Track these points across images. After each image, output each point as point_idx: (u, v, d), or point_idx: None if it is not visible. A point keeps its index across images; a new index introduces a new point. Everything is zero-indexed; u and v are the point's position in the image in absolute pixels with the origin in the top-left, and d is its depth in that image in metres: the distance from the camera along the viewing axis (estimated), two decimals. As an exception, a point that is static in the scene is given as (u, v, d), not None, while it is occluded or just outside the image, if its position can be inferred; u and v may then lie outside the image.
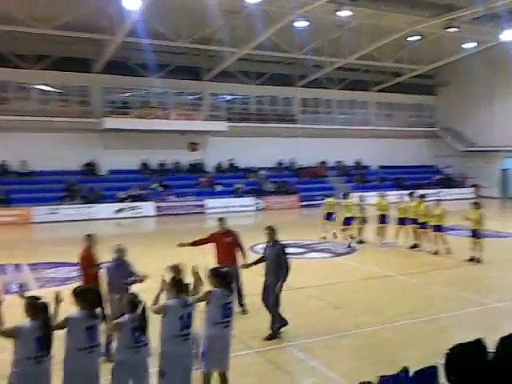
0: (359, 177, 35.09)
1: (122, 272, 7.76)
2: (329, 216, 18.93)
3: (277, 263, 8.47)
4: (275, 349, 8.11)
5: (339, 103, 37.02)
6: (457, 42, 31.00)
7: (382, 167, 37.32)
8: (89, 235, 8.58)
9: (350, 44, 29.48)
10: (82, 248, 8.52)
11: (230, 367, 6.12)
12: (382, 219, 17.47)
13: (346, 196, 18.59)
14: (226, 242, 9.63)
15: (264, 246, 8.92)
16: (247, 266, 9.13)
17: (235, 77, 32.43)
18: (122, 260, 7.98)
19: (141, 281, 7.85)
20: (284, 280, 8.43)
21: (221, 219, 9.98)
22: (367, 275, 13.27)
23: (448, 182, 36.76)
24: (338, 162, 36.16)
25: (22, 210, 24.88)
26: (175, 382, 5.56)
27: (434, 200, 16.99)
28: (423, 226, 15.97)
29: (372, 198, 19.22)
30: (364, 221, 17.83)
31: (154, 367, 5.60)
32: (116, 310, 5.61)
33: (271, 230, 8.73)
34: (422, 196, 17.09)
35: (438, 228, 15.50)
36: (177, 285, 5.70)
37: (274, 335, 8.44)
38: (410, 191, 18.51)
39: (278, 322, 8.53)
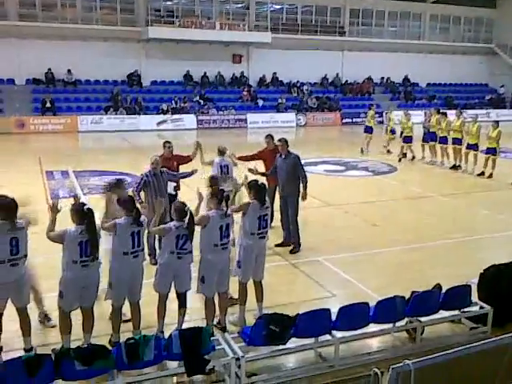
0: (406, 94, 33.90)
1: (161, 179, 7.98)
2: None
3: (292, 175, 8.47)
4: (309, 261, 8.33)
5: (391, 15, 35.07)
6: None
7: (431, 85, 35.86)
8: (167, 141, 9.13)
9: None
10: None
11: (264, 276, 6.36)
12: (431, 137, 17.11)
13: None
14: (275, 158, 9.52)
15: (277, 159, 8.76)
16: (257, 173, 8.57)
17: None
18: (161, 170, 8.14)
19: (191, 174, 8.32)
20: (305, 188, 8.49)
21: (269, 136, 9.87)
22: (407, 195, 13.18)
23: (499, 102, 35.12)
24: (385, 78, 34.88)
25: (67, 119, 25.39)
26: (213, 286, 5.86)
27: (492, 121, 16.22)
28: (472, 147, 15.52)
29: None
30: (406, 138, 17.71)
31: (194, 273, 5.88)
32: (159, 215, 5.82)
33: (284, 142, 8.66)
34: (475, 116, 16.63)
35: (493, 151, 14.97)
36: (216, 196, 5.83)
37: (296, 248, 8.66)
38: (459, 110, 17.94)
39: (299, 236, 8.70)
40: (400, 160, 17.61)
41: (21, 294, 5.34)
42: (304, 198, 8.54)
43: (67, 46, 26.32)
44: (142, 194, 7.93)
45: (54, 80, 27.06)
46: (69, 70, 27.03)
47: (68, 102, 26.57)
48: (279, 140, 8.76)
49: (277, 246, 8.73)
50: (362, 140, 19.57)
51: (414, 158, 17.86)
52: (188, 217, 5.57)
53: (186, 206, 5.73)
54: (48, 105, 25.36)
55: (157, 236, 7.26)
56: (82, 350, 4.75)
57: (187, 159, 9.28)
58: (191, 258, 5.75)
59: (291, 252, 8.63)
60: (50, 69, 26.77)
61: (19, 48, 25.64)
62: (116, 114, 26.29)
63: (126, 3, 28.72)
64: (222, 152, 9.25)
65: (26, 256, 5.28)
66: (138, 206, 5.92)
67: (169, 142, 9.20)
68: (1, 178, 13.34)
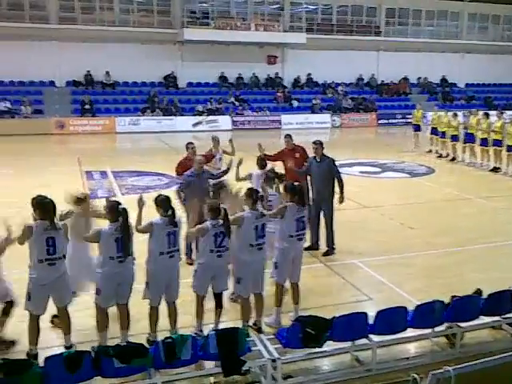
0: (444, 95, 33.26)
1: (203, 178, 8.03)
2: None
3: (327, 178, 8.34)
4: (345, 264, 8.27)
5: (428, 14, 34.47)
6: None
7: (470, 85, 35.07)
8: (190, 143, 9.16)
9: None
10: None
11: (301, 278, 6.34)
12: (470, 138, 16.79)
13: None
14: (295, 158, 9.44)
15: (310, 161, 8.65)
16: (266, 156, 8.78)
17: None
18: (201, 170, 8.21)
19: (226, 172, 8.36)
20: (342, 191, 8.37)
21: (288, 136, 9.86)
22: (445, 197, 12.94)
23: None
24: (422, 78, 34.31)
25: (105, 120, 25.89)
26: (249, 287, 5.89)
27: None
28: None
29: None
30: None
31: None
32: (196, 215, 5.87)
33: (318, 145, 8.46)
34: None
35: None
36: (251, 196, 5.85)
37: (330, 251, 8.58)
38: (500, 111, 17.56)
39: (333, 239, 8.61)
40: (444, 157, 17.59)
41: (61, 293, 5.46)
42: (341, 201, 8.44)
43: (105, 48, 26.86)
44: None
45: (93, 82, 27.65)
46: (107, 72, 27.58)
47: (106, 104, 27.09)
48: (314, 142, 8.54)
49: (305, 249, 8.63)
50: (412, 138, 20.05)
51: (454, 159, 17.62)
52: (223, 214, 5.62)
53: (219, 204, 5.79)
54: (87, 106, 25.92)
55: None
56: (120, 347, 4.84)
57: (210, 157, 9.35)
58: (229, 255, 5.78)
59: (325, 255, 8.56)
60: (88, 71, 27.35)
61: (59, 50, 26.33)
62: (153, 115, 26.66)
63: (163, 5, 29.11)
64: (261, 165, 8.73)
65: (64, 256, 5.37)
66: (178, 204, 5.99)
67: (191, 143, 9.22)
68: (42, 178, 13.71)
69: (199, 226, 5.76)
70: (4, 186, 13.17)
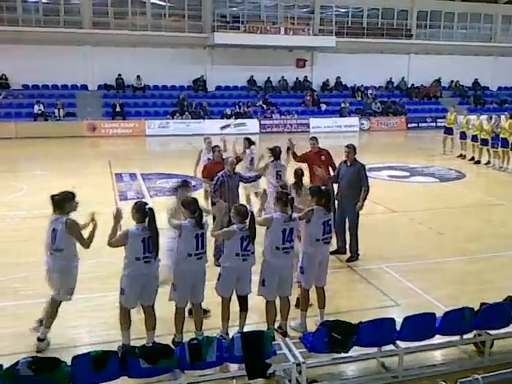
0: (476, 98, 32.66)
1: (234, 180, 8.08)
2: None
3: (355, 183, 8.20)
4: (372, 268, 8.19)
5: (461, 16, 33.92)
6: None
7: (503, 88, 34.37)
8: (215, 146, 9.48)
9: None
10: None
11: (327, 282, 6.31)
12: (502, 142, 16.47)
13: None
14: (320, 161, 9.35)
15: (340, 165, 8.57)
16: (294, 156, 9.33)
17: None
18: (233, 172, 8.24)
19: (259, 177, 8.58)
20: (364, 199, 8.26)
21: (313, 138, 9.83)
22: (475, 202, 12.69)
23: None
24: (454, 81, 33.77)
25: (136, 123, 26.24)
26: (274, 290, 5.88)
27: None
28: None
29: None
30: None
31: (254, 276, 5.92)
32: (224, 218, 5.92)
33: (351, 149, 8.33)
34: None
35: None
36: (282, 198, 5.86)
37: (353, 257, 8.46)
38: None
39: (357, 245, 8.49)
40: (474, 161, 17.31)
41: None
42: (360, 208, 8.28)
43: (137, 53, 27.27)
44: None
45: (124, 85, 28.08)
46: (138, 76, 27.96)
47: (137, 107, 27.48)
48: (347, 146, 8.40)
49: (330, 253, 8.57)
50: (443, 141, 19.66)
51: (478, 162, 17.40)
52: (249, 218, 5.62)
53: (246, 207, 5.80)
54: (118, 109, 26.34)
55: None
56: (147, 348, 4.89)
57: (237, 160, 9.36)
58: (254, 259, 5.79)
59: (348, 260, 8.42)
60: (120, 74, 27.78)
61: (92, 55, 26.86)
62: (182, 118, 26.91)
63: (194, 10, 29.36)
64: (275, 155, 9.26)
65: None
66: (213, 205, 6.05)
67: (217, 146, 9.33)
68: (74, 179, 13.96)
69: (226, 228, 5.79)
70: (41, 186, 13.49)
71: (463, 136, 18.60)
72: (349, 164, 8.36)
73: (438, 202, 12.77)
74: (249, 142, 10.57)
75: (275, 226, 5.74)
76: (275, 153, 9.28)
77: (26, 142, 22.40)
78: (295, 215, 5.89)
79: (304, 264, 6.12)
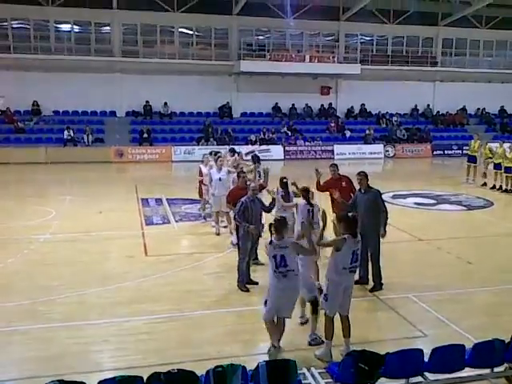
0: (502, 126, 32.29)
1: (256, 205, 8.24)
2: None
3: (372, 210, 8.09)
4: (399, 298, 8.06)
5: (486, 44, 33.82)
6: None
7: (531, 116, 33.97)
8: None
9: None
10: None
11: (351, 311, 6.25)
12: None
13: None
14: (341, 188, 9.30)
15: (356, 193, 8.55)
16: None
17: (373, 16, 30.87)
18: (257, 197, 8.39)
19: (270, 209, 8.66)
20: (385, 225, 8.19)
21: (334, 165, 9.83)
22: (504, 231, 12.45)
23: None
24: (480, 109, 33.51)
25: (162, 149, 26.62)
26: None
27: None
28: None
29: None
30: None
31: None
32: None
33: (363, 176, 8.28)
34: None
35: None
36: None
37: (377, 287, 8.30)
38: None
39: (380, 274, 8.34)
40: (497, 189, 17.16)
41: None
42: (383, 235, 8.21)
43: (164, 80, 27.82)
44: None
45: (152, 112, 28.61)
46: (165, 103, 28.50)
47: (163, 133, 27.93)
48: (359, 173, 8.36)
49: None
50: (466, 169, 19.45)
51: (506, 191, 17.21)
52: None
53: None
54: (145, 135, 26.80)
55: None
56: (171, 374, 4.86)
57: (261, 187, 9.37)
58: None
59: (372, 290, 8.26)
60: (147, 101, 28.36)
61: (121, 82, 27.51)
62: (207, 144, 27.19)
63: (220, 38, 29.95)
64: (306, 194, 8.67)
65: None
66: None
67: (243, 172, 9.41)
68: (102, 204, 14.23)
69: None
70: (69, 211, 13.72)
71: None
72: (363, 191, 8.33)
73: (465, 230, 12.58)
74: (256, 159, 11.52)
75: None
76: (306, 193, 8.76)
77: (56, 166, 22.94)
78: (324, 241, 6.34)
79: (328, 291, 6.09)
